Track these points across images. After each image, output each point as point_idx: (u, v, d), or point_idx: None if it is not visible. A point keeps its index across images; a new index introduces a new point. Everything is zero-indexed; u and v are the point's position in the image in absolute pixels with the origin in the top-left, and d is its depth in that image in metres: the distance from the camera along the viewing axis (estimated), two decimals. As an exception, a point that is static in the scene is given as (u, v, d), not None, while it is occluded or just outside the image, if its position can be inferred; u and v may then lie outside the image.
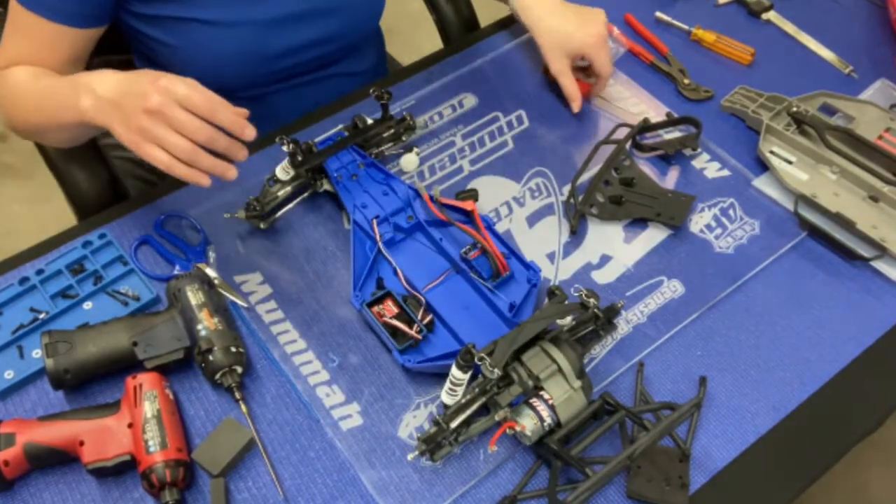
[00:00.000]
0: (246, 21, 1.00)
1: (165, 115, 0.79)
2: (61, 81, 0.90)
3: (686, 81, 1.17)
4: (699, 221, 1.03)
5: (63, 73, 0.96)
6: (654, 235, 1.01)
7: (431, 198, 0.97)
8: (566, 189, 1.05)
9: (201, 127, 0.79)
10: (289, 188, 0.98)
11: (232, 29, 1.00)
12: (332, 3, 1.06)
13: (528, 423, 0.79)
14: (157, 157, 0.80)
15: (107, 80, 0.84)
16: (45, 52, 0.95)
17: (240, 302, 0.91)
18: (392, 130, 1.05)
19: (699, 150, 1.09)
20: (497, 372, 0.77)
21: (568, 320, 0.87)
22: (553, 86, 1.16)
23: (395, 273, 0.92)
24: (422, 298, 0.90)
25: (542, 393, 0.80)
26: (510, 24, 1.24)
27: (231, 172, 0.82)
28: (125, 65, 1.14)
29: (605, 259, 0.99)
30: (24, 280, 0.92)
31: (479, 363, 0.77)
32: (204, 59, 1.02)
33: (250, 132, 0.81)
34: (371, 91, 1.03)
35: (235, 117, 0.81)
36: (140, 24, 1.00)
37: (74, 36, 0.95)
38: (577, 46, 1.08)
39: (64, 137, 0.99)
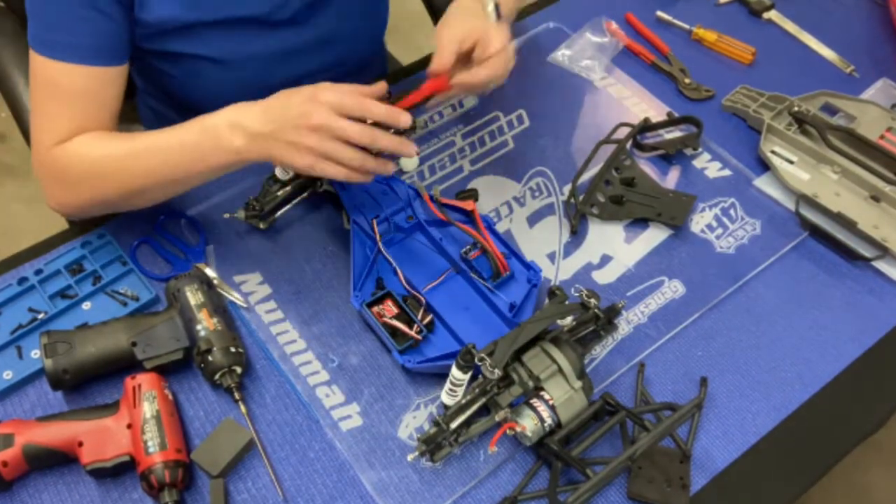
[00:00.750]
0: (247, 57, 0.98)
1: (332, 129, 0.78)
2: (175, 133, 0.84)
3: (687, 81, 1.16)
4: (700, 221, 1.02)
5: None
6: (654, 235, 1.01)
7: (431, 197, 0.97)
8: (567, 189, 1.04)
9: (364, 130, 0.79)
10: (288, 188, 0.98)
11: (234, 64, 0.98)
12: (332, 34, 1.04)
13: (528, 424, 0.78)
14: (336, 172, 0.80)
15: (253, 113, 0.81)
16: (92, 107, 0.88)
17: (239, 302, 0.91)
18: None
19: (700, 149, 1.09)
20: (497, 372, 0.77)
21: (568, 320, 0.87)
22: (551, 85, 1.15)
23: (395, 273, 0.92)
24: (422, 298, 0.89)
25: (542, 393, 0.80)
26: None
27: (390, 167, 0.83)
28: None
29: (605, 259, 0.99)
30: (22, 280, 0.91)
31: (480, 364, 0.77)
32: (205, 90, 1.01)
33: (406, 119, 0.81)
34: (371, 90, 1.02)
35: (389, 108, 0.81)
36: (141, 54, 0.97)
37: (110, 78, 0.89)
38: (478, 23, 0.88)
39: (170, 192, 0.91)
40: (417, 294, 0.90)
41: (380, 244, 0.93)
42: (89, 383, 0.86)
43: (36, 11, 0.85)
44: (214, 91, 1.00)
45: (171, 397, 0.83)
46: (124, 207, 0.94)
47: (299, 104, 0.79)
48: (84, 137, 0.88)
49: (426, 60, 1.19)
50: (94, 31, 0.85)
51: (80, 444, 0.78)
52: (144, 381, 0.81)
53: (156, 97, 1.14)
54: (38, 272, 0.92)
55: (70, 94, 0.87)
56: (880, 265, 0.98)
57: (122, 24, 0.88)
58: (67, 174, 0.88)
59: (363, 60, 1.13)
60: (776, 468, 0.84)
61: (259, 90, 1.03)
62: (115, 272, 0.93)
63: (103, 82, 0.88)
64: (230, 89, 1.00)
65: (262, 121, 0.80)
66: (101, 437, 0.79)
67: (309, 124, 0.78)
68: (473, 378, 0.80)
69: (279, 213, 0.99)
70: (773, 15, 1.26)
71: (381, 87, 0.85)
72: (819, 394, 0.89)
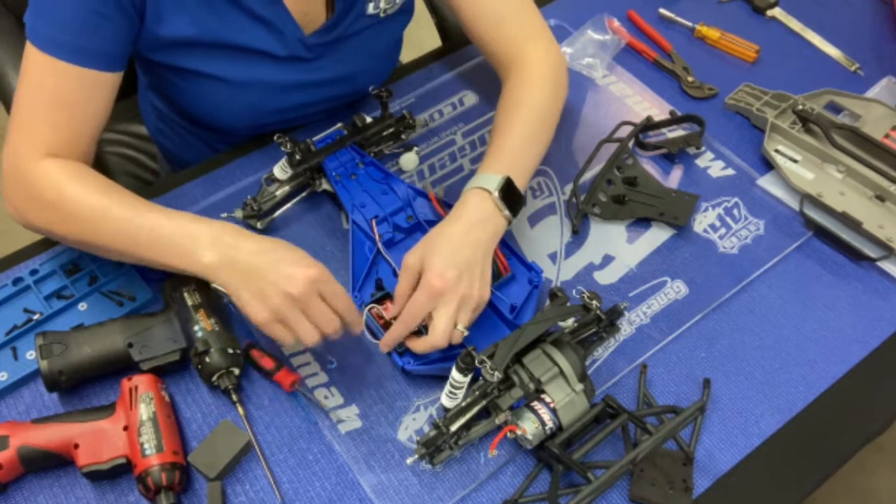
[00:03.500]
0: (254, 82, 0.96)
1: (307, 305, 0.78)
2: (155, 217, 0.81)
3: (690, 79, 1.15)
4: (703, 221, 1.01)
5: (89, 156, 0.88)
6: (657, 235, 1.00)
7: (437, 197, 0.96)
8: (568, 188, 1.04)
9: (333, 322, 0.80)
10: (287, 187, 0.97)
11: (240, 87, 0.96)
12: (343, 74, 1.02)
13: (529, 427, 0.78)
14: (285, 339, 0.79)
15: (246, 246, 0.79)
16: (80, 114, 0.85)
17: (237, 303, 0.91)
18: (392, 129, 1.03)
19: (703, 148, 1.08)
20: (498, 375, 0.76)
21: (570, 322, 0.86)
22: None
23: (395, 274, 0.91)
24: (421, 299, 0.88)
25: (543, 396, 0.79)
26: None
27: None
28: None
29: (607, 259, 0.98)
30: (17, 280, 0.91)
31: (480, 366, 0.76)
32: (211, 106, 0.99)
33: (358, 330, 0.84)
34: (371, 89, 1.01)
35: (360, 319, 0.84)
36: (150, 64, 0.95)
37: (105, 84, 0.85)
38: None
39: (122, 259, 0.87)
40: (417, 295, 0.89)
41: (379, 245, 0.93)
42: (85, 385, 0.85)
43: (45, 9, 0.81)
44: (220, 108, 0.99)
45: (167, 399, 0.82)
46: (75, 247, 0.91)
47: (291, 264, 0.78)
48: (67, 166, 0.84)
49: (426, 58, 1.18)
50: (101, 35, 0.83)
51: (76, 446, 0.77)
52: (141, 383, 0.81)
53: (160, 98, 1.12)
54: (34, 272, 0.91)
55: (60, 97, 0.83)
56: (885, 265, 0.97)
57: (127, 33, 0.85)
58: (36, 194, 0.84)
59: (372, 85, 1.07)
60: (780, 470, 0.83)
61: (264, 113, 1.01)
62: (112, 272, 0.92)
63: (96, 88, 0.85)
64: (237, 109, 0.99)
65: (248, 256, 0.79)
66: (97, 439, 0.78)
67: (287, 290, 0.77)
68: (474, 380, 0.79)
69: (277, 212, 0.98)
70: (776, 12, 1.25)
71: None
72: (823, 395, 0.88)
